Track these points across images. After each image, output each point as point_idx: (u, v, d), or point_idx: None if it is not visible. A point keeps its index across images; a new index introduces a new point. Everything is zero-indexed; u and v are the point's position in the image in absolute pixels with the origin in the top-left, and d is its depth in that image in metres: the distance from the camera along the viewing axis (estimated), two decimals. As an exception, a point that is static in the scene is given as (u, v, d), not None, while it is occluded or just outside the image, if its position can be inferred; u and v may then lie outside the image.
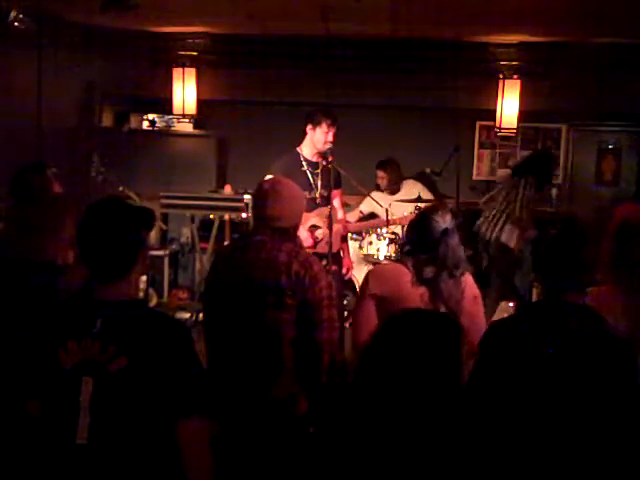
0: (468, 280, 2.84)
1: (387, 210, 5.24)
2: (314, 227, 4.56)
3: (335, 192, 4.57)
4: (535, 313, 2.30)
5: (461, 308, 2.71)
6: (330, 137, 4.50)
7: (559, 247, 2.26)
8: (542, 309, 2.28)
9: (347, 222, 5.22)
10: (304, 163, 4.56)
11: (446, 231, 2.75)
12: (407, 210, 5.80)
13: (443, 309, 2.69)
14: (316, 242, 4.51)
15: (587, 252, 2.23)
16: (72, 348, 1.88)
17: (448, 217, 2.80)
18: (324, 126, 4.49)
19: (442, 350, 1.78)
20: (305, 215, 4.36)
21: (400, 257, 2.95)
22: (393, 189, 6.44)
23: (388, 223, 5.25)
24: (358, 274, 6.08)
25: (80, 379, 1.87)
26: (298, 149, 4.62)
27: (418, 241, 2.82)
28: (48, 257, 2.60)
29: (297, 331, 2.69)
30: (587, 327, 2.16)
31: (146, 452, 1.89)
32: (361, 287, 2.91)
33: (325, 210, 4.37)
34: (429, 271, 2.71)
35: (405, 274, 2.75)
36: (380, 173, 6.48)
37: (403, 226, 5.71)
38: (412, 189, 6.33)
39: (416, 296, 2.68)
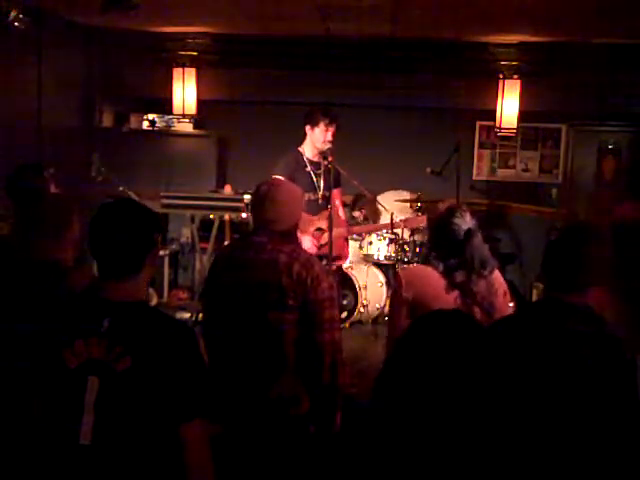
0: (497, 277, 2.85)
1: (392, 214, 5.19)
2: (319, 230, 4.56)
3: (335, 192, 4.59)
4: (535, 313, 2.30)
5: (494, 307, 2.73)
6: (329, 136, 4.50)
7: (561, 247, 2.26)
8: (543, 309, 2.28)
9: (349, 224, 5.22)
10: (307, 163, 4.56)
11: (469, 232, 2.75)
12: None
13: (478, 310, 2.69)
14: (320, 246, 4.51)
15: (590, 253, 2.22)
16: (79, 347, 1.88)
17: (468, 217, 2.79)
18: (322, 125, 4.49)
19: (464, 351, 1.77)
20: (310, 218, 4.38)
21: (428, 260, 2.92)
22: (374, 219, 6.42)
23: (392, 227, 5.20)
24: (358, 273, 6.08)
25: (85, 379, 1.86)
26: (300, 149, 4.62)
27: (443, 247, 2.80)
28: (52, 257, 2.59)
29: (299, 332, 2.69)
30: (587, 328, 2.15)
31: (149, 453, 1.89)
32: (394, 292, 2.90)
33: (328, 212, 4.38)
34: (459, 275, 2.72)
35: (434, 276, 2.74)
36: (356, 213, 6.48)
37: (412, 230, 5.67)
38: (393, 199, 6.33)
39: (450, 300, 2.68)
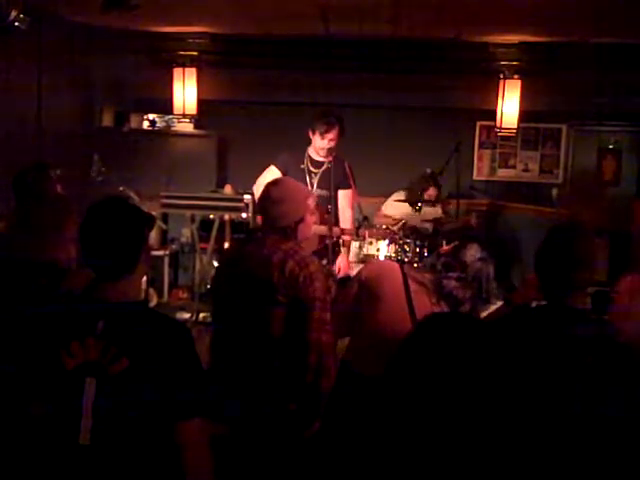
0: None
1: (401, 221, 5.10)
2: None
3: (341, 193, 4.68)
4: (536, 318, 2.25)
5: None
6: (325, 144, 4.53)
7: (554, 249, 2.22)
8: (543, 314, 2.23)
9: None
10: (306, 161, 4.58)
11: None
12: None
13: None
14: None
15: (584, 252, 2.20)
16: (75, 349, 1.88)
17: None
18: (317, 134, 4.55)
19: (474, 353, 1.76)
20: None
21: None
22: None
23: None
24: (358, 274, 6.07)
25: (82, 380, 1.87)
26: (309, 148, 4.65)
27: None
28: (50, 257, 2.60)
29: (286, 328, 2.70)
30: (588, 333, 2.12)
31: (148, 453, 1.89)
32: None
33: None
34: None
35: (395, 268, 3.17)
36: (432, 190, 6.21)
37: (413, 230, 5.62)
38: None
39: (398, 283, 3.03)
